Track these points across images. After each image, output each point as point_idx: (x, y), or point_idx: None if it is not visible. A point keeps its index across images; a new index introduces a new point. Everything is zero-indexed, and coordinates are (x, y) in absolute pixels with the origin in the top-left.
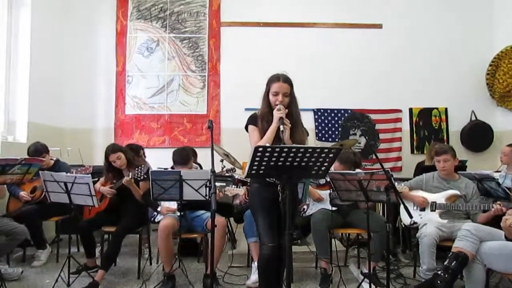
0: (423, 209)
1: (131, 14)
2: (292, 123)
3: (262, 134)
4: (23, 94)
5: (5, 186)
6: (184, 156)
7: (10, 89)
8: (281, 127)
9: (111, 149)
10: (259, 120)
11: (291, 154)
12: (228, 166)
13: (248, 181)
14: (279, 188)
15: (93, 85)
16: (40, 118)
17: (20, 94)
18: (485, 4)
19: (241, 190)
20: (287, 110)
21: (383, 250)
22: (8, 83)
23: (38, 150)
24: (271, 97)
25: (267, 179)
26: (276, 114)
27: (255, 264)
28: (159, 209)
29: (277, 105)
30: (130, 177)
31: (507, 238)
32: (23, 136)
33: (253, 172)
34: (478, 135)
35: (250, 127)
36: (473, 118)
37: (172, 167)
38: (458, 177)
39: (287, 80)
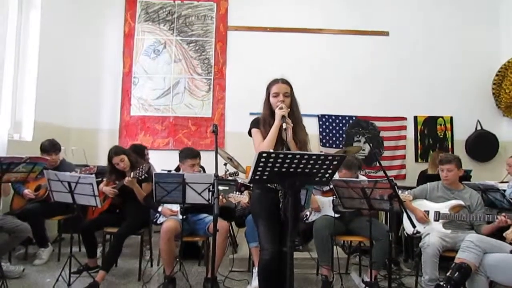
0: None
1: (139, 16)
2: (294, 122)
3: (265, 137)
4: (30, 94)
5: (9, 184)
6: (194, 151)
7: (17, 88)
8: (284, 125)
9: (114, 152)
10: (261, 124)
11: (295, 161)
12: (232, 170)
13: (251, 185)
14: (280, 194)
15: (100, 86)
16: (46, 118)
17: (27, 93)
18: (491, 14)
19: (245, 197)
20: (289, 109)
21: (385, 258)
22: (16, 82)
23: (56, 145)
24: (272, 99)
25: (268, 185)
26: (278, 112)
27: (256, 269)
28: (160, 209)
29: (278, 106)
30: (132, 176)
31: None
32: (29, 135)
33: (257, 177)
34: (483, 145)
35: (253, 130)
36: (479, 128)
37: (175, 169)
38: (462, 187)
39: (286, 82)
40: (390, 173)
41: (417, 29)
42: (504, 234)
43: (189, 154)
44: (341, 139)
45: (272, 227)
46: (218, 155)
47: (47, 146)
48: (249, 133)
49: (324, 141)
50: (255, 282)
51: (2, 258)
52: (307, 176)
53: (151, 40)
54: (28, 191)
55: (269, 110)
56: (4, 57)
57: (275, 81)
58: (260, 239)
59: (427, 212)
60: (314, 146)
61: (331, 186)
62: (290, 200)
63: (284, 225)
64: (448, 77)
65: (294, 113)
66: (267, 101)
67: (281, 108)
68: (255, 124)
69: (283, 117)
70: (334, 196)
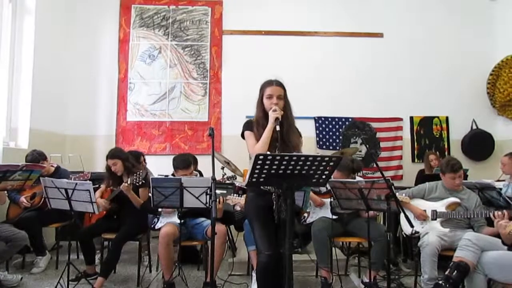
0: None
1: (134, 22)
2: (287, 126)
3: (258, 139)
4: (26, 101)
5: (5, 192)
6: (185, 161)
7: (12, 95)
8: (277, 127)
9: (110, 155)
10: (254, 126)
11: (292, 163)
12: (229, 173)
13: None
14: (273, 196)
15: (95, 92)
16: (42, 125)
17: (23, 100)
18: (485, 14)
19: (242, 199)
20: (282, 112)
21: (383, 259)
22: (10, 89)
23: (34, 159)
24: (265, 101)
25: (262, 188)
26: (272, 115)
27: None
28: (160, 209)
29: (272, 108)
30: (128, 183)
31: (508, 248)
32: (24, 142)
33: (254, 180)
34: (479, 144)
35: (246, 132)
36: (474, 127)
37: (173, 174)
38: (461, 189)
39: (280, 84)
40: (387, 173)
41: (411, 30)
42: (500, 230)
43: (180, 164)
44: (337, 140)
45: (268, 230)
46: (215, 159)
47: (28, 161)
48: (242, 136)
49: (321, 143)
50: (254, 285)
51: None
52: (304, 177)
53: (146, 46)
54: (24, 198)
55: (263, 111)
56: None
57: (269, 83)
58: (256, 242)
59: (424, 211)
60: (311, 148)
61: (329, 188)
62: (287, 201)
63: (278, 227)
64: (443, 77)
65: (287, 116)
66: (260, 102)
67: (275, 111)
68: (247, 126)
69: (276, 119)
70: (332, 198)
